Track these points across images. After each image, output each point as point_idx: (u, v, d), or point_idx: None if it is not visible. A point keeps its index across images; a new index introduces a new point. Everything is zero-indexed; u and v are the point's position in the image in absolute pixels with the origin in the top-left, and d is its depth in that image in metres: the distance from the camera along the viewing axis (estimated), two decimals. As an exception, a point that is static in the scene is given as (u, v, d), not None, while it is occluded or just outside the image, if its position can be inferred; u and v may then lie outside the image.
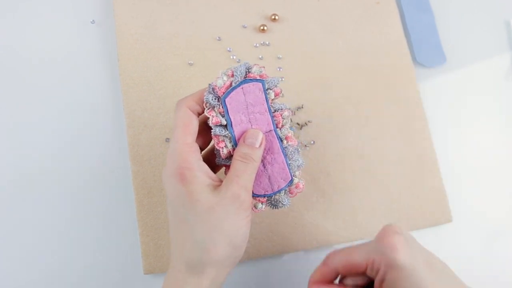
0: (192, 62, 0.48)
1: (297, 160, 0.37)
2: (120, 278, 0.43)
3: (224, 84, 0.34)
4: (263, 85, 0.35)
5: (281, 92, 0.36)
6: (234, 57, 0.49)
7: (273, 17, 0.51)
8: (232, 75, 0.35)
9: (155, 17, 0.49)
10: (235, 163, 0.33)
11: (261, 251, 0.44)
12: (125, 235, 0.44)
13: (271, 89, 0.35)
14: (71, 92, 0.47)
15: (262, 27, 0.50)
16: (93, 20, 0.49)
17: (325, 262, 0.35)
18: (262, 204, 0.37)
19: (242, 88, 0.35)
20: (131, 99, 0.46)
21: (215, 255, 0.31)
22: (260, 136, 0.34)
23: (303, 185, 0.38)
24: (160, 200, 0.44)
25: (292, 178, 0.37)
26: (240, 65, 0.35)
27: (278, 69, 0.49)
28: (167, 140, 0.45)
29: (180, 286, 0.32)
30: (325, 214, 0.46)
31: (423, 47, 0.54)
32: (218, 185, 0.33)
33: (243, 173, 0.33)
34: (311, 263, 0.46)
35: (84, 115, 0.47)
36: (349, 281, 0.35)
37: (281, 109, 0.36)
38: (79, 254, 0.43)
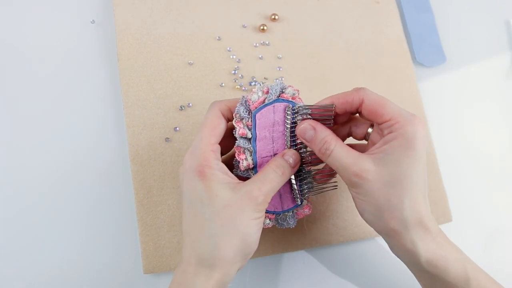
0: (192, 62, 0.48)
1: (309, 183, 0.37)
2: (120, 278, 0.43)
3: (258, 100, 0.35)
4: (293, 107, 0.36)
5: (308, 119, 0.36)
6: (234, 56, 0.49)
7: (273, 17, 0.51)
8: (267, 92, 0.36)
9: (155, 17, 0.49)
10: (268, 170, 0.34)
11: (261, 251, 0.44)
12: (125, 235, 0.44)
13: (299, 113, 0.36)
14: (71, 92, 0.47)
15: (262, 27, 0.50)
16: (93, 20, 0.49)
17: (347, 94, 0.35)
18: (270, 220, 0.38)
19: (274, 106, 0.36)
20: (131, 99, 0.46)
21: (227, 249, 0.32)
22: (298, 158, 0.36)
23: (310, 209, 0.39)
24: (160, 200, 0.44)
25: (301, 200, 0.37)
26: (276, 84, 0.36)
27: (278, 69, 0.49)
28: (167, 139, 0.45)
29: (191, 278, 0.32)
30: (325, 214, 0.46)
31: (423, 47, 0.54)
32: (236, 183, 0.34)
33: (270, 182, 0.34)
34: (311, 263, 0.46)
35: (84, 115, 0.47)
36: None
37: None
38: (79, 253, 0.43)
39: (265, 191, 0.33)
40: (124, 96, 0.46)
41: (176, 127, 0.46)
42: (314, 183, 0.38)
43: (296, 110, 0.36)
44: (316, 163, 0.38)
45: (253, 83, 0.48)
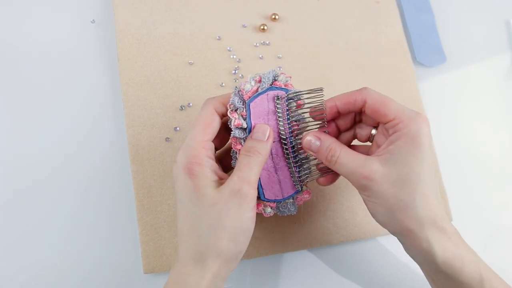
0: (192, 62, 0.48)
1: (307, 169, 0.37)
2: (120, 278, 0.43)
3: (251, 89, 0.35)
4: (287, 94, 0.36)
5: (303, 104, 0.37)
6: (234, 56, 0.49)
7: (273, 16, 0.51)
8: (260, 81, 0.36)
9: (155, 17, 0.49)
10: (239, 158, 0.34)
11: (261, 251, 0.44)
12: (125, 235, 0.44)
13: (293, 100, 0.36)
14: (71, 92, 0.47)
15: (262, 27, 0.50)
16: (93, 20, 0.49)
17: (349, 94, 0.36)
18: (271, 209, 0.38)
19: (267, 94, 0.36)
20: (131, 99, 0.46)
21: (216, 249, 0.32)
22: (268, 130, 0.35)
23: (310, 195, 0.38)
24: (160, 200, 0.44)
25: (301, 186, 0.37)
26: (268, 72, 0.36)
27: (278, 68, 0.49)
28: (167, 139, 0.45)
29: (184, 278, 0.32)
30: (325, 214, 0.46)
31: (423, 47, 0.54)
32: (223, 181, 0.33)
33: (245, 166, 0.33)
34: (311, 263, 0.46)
35: (84, 115, 0.47)
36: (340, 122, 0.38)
37: (299, 120, 0.37)
38: (79, 253, 0.43)
39: (244, 177, 0.32)
40: (124, 96, 0.46)
41: (176, 127, 0.46)
42: (313, 168, 0.38)
43: (290, 97, 0.36)
44: None
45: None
